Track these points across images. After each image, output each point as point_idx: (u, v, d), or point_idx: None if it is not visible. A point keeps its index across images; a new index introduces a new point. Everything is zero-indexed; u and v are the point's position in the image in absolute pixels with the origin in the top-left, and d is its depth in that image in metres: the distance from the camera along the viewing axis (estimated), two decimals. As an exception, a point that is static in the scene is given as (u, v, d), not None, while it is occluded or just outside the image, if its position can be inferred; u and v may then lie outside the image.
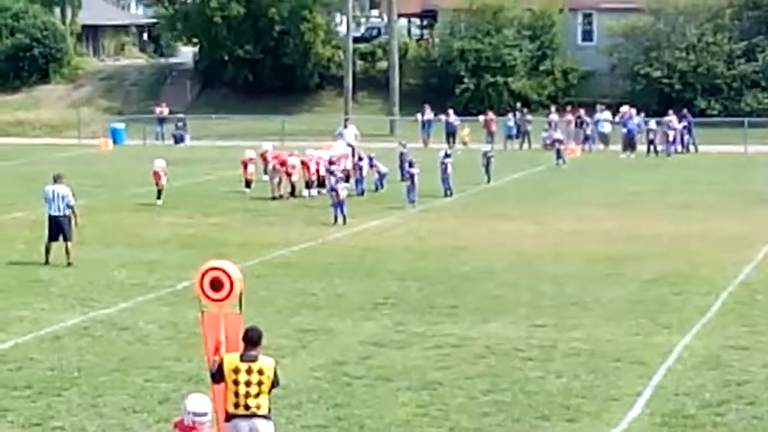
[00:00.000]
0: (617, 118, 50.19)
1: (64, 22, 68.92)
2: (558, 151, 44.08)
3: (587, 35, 62.02)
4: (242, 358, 11.11)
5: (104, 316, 19.38)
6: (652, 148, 47.53)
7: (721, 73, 56.98)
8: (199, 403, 10.57)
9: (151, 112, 58.39)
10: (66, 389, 15.20)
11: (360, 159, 36.20)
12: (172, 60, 71.77)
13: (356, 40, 62.79)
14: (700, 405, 14.45)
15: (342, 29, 63.69)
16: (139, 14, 78.48)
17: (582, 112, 51.32)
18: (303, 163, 35.08)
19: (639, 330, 18.26)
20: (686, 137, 49.16)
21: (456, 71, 59.32)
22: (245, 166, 36.60)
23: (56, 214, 23.94)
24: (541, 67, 60.52)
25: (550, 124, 50.57)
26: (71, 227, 24.01)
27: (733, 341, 17.46)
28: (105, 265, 23.72)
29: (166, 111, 57.33)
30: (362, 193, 34.73)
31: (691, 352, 16.92)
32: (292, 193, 34.46)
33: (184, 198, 34.43)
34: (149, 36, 78.66)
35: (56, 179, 24.43)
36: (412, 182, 32.57)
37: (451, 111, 52.27)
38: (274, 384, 11.21)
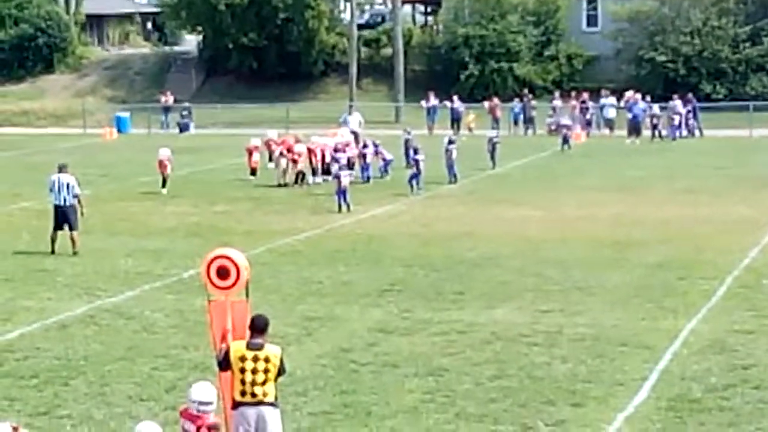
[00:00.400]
0: (622, 103, 50.11)
1: (68, 12, 68.87)
2: (565, 137, 44.05)
3: (592, 20, 61.89)
4: (248, 346, 11.14)
5: (110, 304, 19.41)
6: (656, 132, 47.47)
7: (726, 57, 56.84)
8: (205, 391, 10.59)
9: (155, 101, 58.39)
10: (73, 378, 15.25)
11: (365, 146, 36.19)
12: (177, 48, 71.72)
13: (360, 27, 62.69)
14: (706, 389, 14.46)
15: (346, 16, 63.59)
16: (143, 3, 78.41)
17: (586, 96, 51.26)
18: (308, 150, 35.09)
19: (645, 315, 18.27)
20: (691, 122, 49.08)
21: (460, 57, 59.24)
22: (250, 154, 36.63)
23: (61, 203, 23.98)
24: (546, 53, 60.42)
25: (554, 109, 50.49)
26: (77, 216, 24.05)
27: (739, 325, 17.47)
28: (111, 254, 23.75)
29: (170, 100, 57.31)
30: (368, 180, 34.73)
31: (697, 336, 16.92)
32: (299, 181, 34.44)
33: (190, 186, 34.45)
34: (153, 25, 78.59)
35: (61, 169, 24.46)
36: (418, 169, 32.59)
37: (455, 97, 52.22)
38: (281, 372, 11.23)
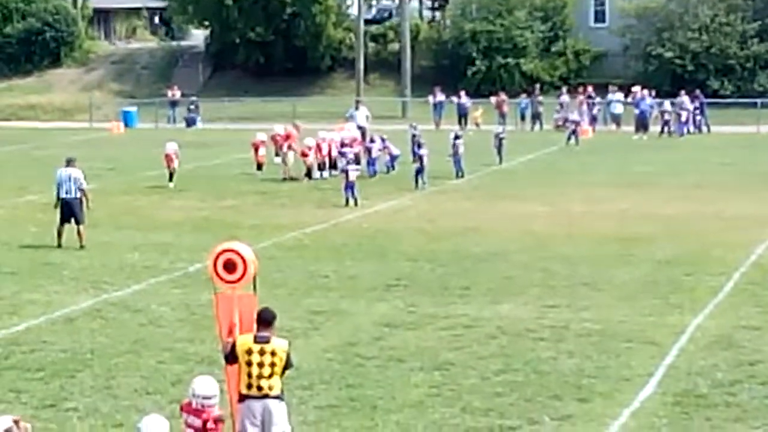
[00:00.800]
0: (629, 99, 50.04)
1: (75, 6, 68.90)
2: (573, 132, 44.02)
3: (599, 16, 61.83)
4: (255, 340, 11.14)
5: (117, 298, 19.43)
6: (667, 128, 47.39)
7: (734, 53, 56.75)
8: (206, 386, 10.60)
9: (162, 96, 58.41)
10: (79, 371, 15.26)
11: (372, 141, 36.18)
12: (184, 43, 71.74)
13: (368, 22, 62.70)
14: (713, 385, 14.45)
15: (353, 11, 63.59)
16: (150, -3, 78.53)
17: (590, 89, 51.18)
18: (316, 144, 35.09)
19: (651, 310, 18.25)
20: (699, 118, 49.01)
21: (467, 53, 59.21)
22: (256, 148, 36.63)
23: (68, 197, 23.99)
24: (553, 49, 60.39)
25: (561, 105, 50.45)
26: (83, 210, 24.06)
27: (746, 321, 17.45)
28: (117, 248, 23.77)
29: (177, 94, 57.33)
30: (374, 175, 34.72)
31: (704, 332, 16.90)
32: (310, 175, 34.43)
33: (196, 181, 34.47)
34: (160, 19, 78.58)
35: (69, 162, 24.47)
36: (421, 164, 32.60)
37: (462, 93, 52.20)
38: (288, 366, 11.22)
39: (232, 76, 64.24)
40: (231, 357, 11.27)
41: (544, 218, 27.26)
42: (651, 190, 31.68)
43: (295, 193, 32.12)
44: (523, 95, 53.06)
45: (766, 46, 56.77)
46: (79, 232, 23.82)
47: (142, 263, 22.31)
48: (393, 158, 35.89)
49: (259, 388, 11.10)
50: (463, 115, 51.07)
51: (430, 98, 52.83)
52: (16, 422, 9.23)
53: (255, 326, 11.29)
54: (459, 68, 59.05)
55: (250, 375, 11.09)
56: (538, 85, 54.14)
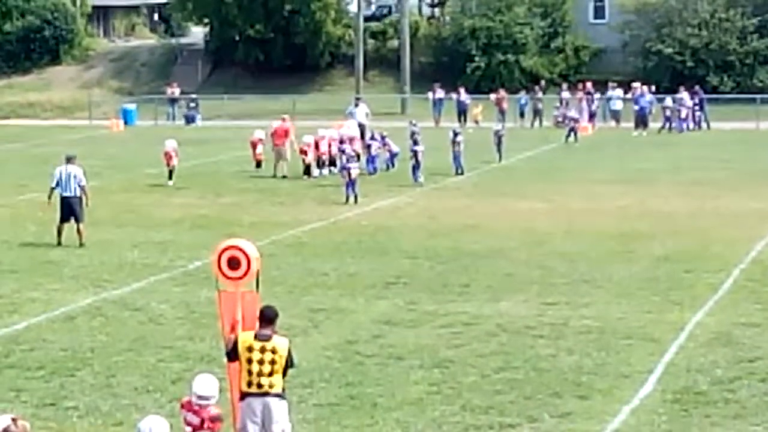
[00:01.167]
0: (629, 96, 50.03)
1: (74, 3, 68.87)
2: (572, 129, 44.03)
3: (599, 12, 61.83)
4: (256, 337, 11.15)
5: (116, 296, 19.44)
6: (669, 124, 47.38)
7: (733, 49, 56.75)
8: (205, 385, 10.63)
9: (162, 93, 58.42)
10: (79, 369, 15.27)
11: (372, 138, 36.19)
12: (183, 40, 71.71)
13: (367, 18, 62.68)
14: (712, 382, 14.45)
15: (353, 8, 63.57)
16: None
17: (590, 86, 51.19)
18: (314, 141, 35.08)
19: (651, 307, 18.26)
20: (698, 114, 49.01)
21: (467, 49, 59.20)
22: (254, 146, 36.63)
23: (68, 195, 23.99)
24: (553, 45, 60.39)
25: (561, 101, 50.45)
26: (83, 208, 24.06)
27: (745, 318, 17.45)
28: (117, 246, 23.78)
29: (177, 91, 57.34)
30: (374, 172, 34.73)
31: (703, 329, 16.91)
32: (307, 172, 34.45)
33: (196, 178, 34.47)
34: (160, 16, 78.56)
35: (69, 160, 24.48)
36: (417, 160, 32.64)
37: (462, 89, 52.18)
38: (289, 364, 11.21)
39: (232, 73, 64.22)
40: (232, 354, 11.28)
41: (544, 215, 27.27)
42: (650, 187, 31.69)
43: (294, 190, 32.13)
44: (523, 92, 53.05)
45: (765, 42, 56.78)
46: (78, 230, 23.83)
47: (142, 261, 22.31)
48: (393, 155, 35.90)
49: (260, 385, 11.11)
50: (462, 112, 51.07)
51: (430, 95, 52.84)
52: (14, 421, 9.23)
53: (257, 324, 11.30)
54: (458, 65, 59.04)
55: (250, 372, 11.11)
56: (543, 82, 54.12)
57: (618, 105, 50.60)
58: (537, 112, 51.16)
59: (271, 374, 11.10)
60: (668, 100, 48.12)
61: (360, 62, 58.48)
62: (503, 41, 59.14)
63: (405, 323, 17.44)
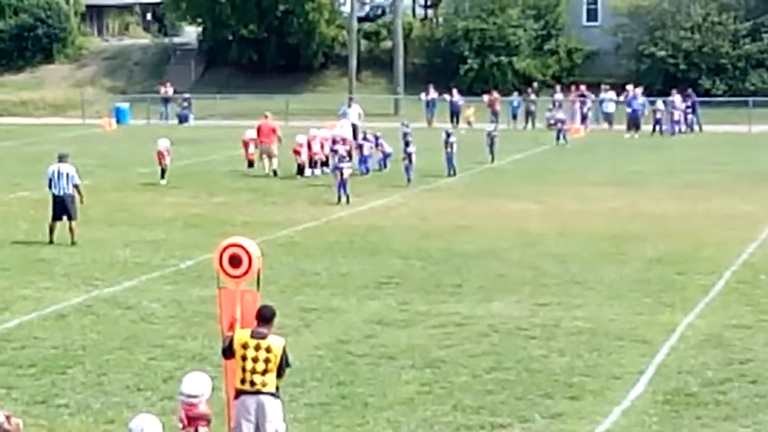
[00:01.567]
0: (621, 98, 50.09)
1: (67, 2, 68.79)
2: (560, 131, 44.05)
3: (592, 14, 61.90)
4: (252, 335, 11.19)
5: (108, 294, 19.42)
6: (658, 127, 47.46)
7: (726, 52, 56.86)
8: (191, 384, 10.65)
9: (155, 92, 58.38)
10: (70, 367, 15.26)
11: (364, 138, 36.20)
12: (177, 39, 71.66)
13: (360, 19, 62.70)
14: (703, 383, 14.48)
15: (346, 9, 63.57)
16: (143, -7, 78.40)
17: (583, 89, 51.24)
18: (306, 141, 35.09)
19: (642, 309, 18.29)
20: (690, 117, 49.08)
21: (460, 51, 59.25)
22: (246, 146, 36.64)
23: (61, 193, 23.96)
24: (546, 47, 60.44)
25: (554, 103, 50.50)
26: (75, 206, 24.03)
27: (736, 320, 17.49)
28: (109, 244, 23.76)
29: (170, 91, 57.31)
30: (367, 172, 34.74)
31: (694, 330, 16.94)
32: (299, 172, 34.45)
33: (189, 177, 34.45)
34: (153, 15, 78.51)
35: (61, 158, 24.45)
36: (410, 160, 32.71)
37: (455, 91, 52.21)
38: (284, 364, 11.20)
39: (225, 73, 64.21)
40: (228, 351, 11.31)
41: (536, 216, 27.29)
42: (643, 189, 31.73)
43: (286, 190, 32.12)
44: (515, 94, 53.09)
45: (757, 46, 56.90)
46: (71, 229, 23.80)
47: (134, 260, 22.30)
48: (386, 156, 35.93)
49: (252, 383, 11.13)
50: (455, 113, 51.10)
51: (423, 96, 52.87)
52: (7, 417, 9.23)
53: (255, 322, 11.33)
54: (451, 66, 59.08)
55: (244, 369, 11.15)
56: (535, 84, 54.14)
57: (610, 107, 50.65)
58: (529, 114, 51.20)
59: (264, 373, 11.12)
60: (659, 103, 48.19)
61: (353, 63, 58.49)
62: (496, 43, 59.19)
63: (397, 323, 17.45)
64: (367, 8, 68.42)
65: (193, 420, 10.61)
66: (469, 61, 58.96)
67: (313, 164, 34.92)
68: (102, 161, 38.42)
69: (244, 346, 11.14)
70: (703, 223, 26.17)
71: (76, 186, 24.04)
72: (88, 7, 71.92)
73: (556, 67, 59.94)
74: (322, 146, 35.05)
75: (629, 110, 48.30)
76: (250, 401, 11.13)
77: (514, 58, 59.21)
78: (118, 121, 54.28)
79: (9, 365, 15.38)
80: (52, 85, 63.92)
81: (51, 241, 23.77)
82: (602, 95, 51.40)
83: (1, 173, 35.90)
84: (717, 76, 56.65)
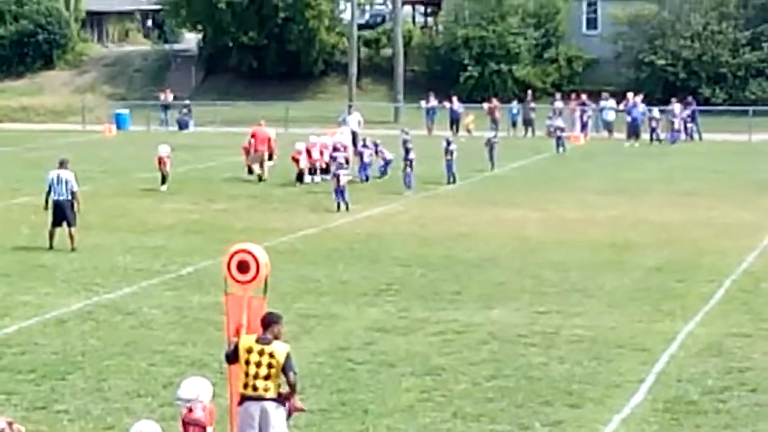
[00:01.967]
0: (621, 106, 50.12)
1: (68, 8, 68.83)
2: (559, 139, 44.06)
3: (592, 23, 61.97)
4: (257, 340, 11.23)
5: (108, 300, 19.42)
6: (655, 136, 47.49)
7: (725, 61, 56.92)
8: (185, 388, 10.70)
9: (155, 99, 58.41)
10: (70, 373, 15.25)
11: (364, 146, 36.21)
12: (177, 46, 71.73)
13: (361, 27, 62.73)
14: (703, 392, 14.48)
15: (346, 16, 63.64)
16: (143, 0, 78.39)
17: (584, 98, 51.28)
18: (305, 149, 35.11)
19: (642, 317, 18.29)
20: (690, 125, 49.09)
21: (460, 59, 59.29)
22: (247, 152, 36.68)
23: (60, 199, 23.95)
24: (546, 55, 60.49)
25: (554, 111, 50.51)
26: (74, 213, 24.02)
27: (736, 329, 17.49)
28: (109, 251, 23.75)
29: (170, 97, 57.34)
30: (366, 180, 34.75)
31: (694, 339, 16.94)
32: (299, 179, 34.49)
33: (189, 184, 34.46)
34: (153, 22, 78.59)
35: (62, 164, 24.44)
36: (411, 167, 32.75)
37: (455, 98, 52.22)
38: (287, 370, 11.17)
39: (225, 79, 64.24)
40: (233, 356, 11.34)
41: (536, 224, 27.29)
42: (643, 197, 31.74)
43: (286, 197, 32.13)
44: (515, 102, 53.12)
45: (757, 55, 56.96)
46: (70, 235, 23.80)
47: (134, 266, 22.29)
48: (386, 163, 35.95)
49: (255, 388, 11.16)
50: (455, 120, 51.11)
51: (423, 103, 52.89)
52: (9, 424, 9.24)
53: (260, 329, 11.37)
54: (451, 74, 59.11)
55: (247, 374, 11.20)
56: (530, 92, 54.17)
57: (610, 116, 50.67)
58: (529, 122, 51.22)
59: (267, 378, 11.15)
60: (655, 112, 48.21)
61: (353, 70, 58.52)
62: (496, 51, 59.24)
63: (397, 330, 17.45)
64: (367, 16, 68.47)
65: (186, 425, 10.61)
66: (469, 68, 59.01)
67: (313, 171, 34.94)
68: (102, 167, 38.43)
69: (249, 351, 11.19)
70: (703, 231, 26.18)
71: (73, 193, 24.02)
72: (89, 13, 71.97)
73: (556, 75, 59.99)
74: (321, 153, 35.07)
75: (629, 119, 48.33)
76: (254, 408, 11.16)
77: (514, 66, 59.26)
78: (118, 128, 54.26)
79: (9, 371, 15.38)
80: (52, 92, 63.94)
81: (51, 247, 23.77)
82: (602, 103, 51.42)
83: (1, 179, 35.88)
84: (717, 85, 56.70)
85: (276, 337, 11.24)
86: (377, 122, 50.82)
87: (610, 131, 50.26)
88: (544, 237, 25.42)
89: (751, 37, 57.21)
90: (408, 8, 68.76)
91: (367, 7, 68.52)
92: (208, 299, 19.17)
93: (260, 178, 35.36)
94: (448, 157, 34.39)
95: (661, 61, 56.93)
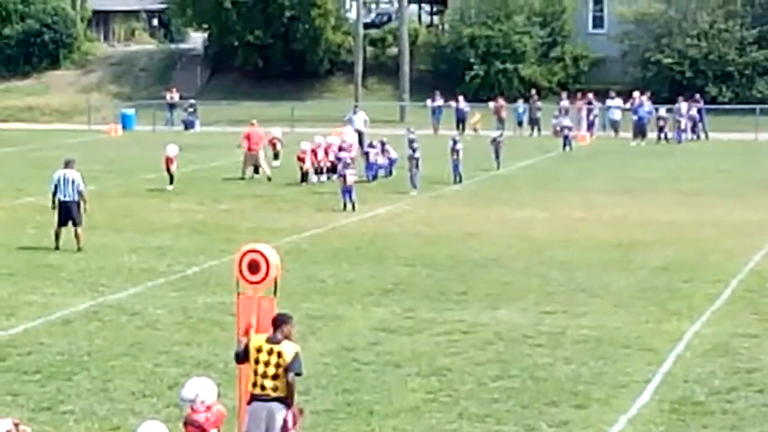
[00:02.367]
0: (628, 105, 50.03)
1: (74, 8, 68.85)
2: (566, 138, 44.02)
3: (598, 22, 61.85)
4: (268, 339, 11.28)
5: (114, 301, 19.42)
6: (663, 135, 47.42)
7: (732, 60, 56.79)
8: (186, 388, 10.68)
9: (161, 98, 58.40)
10: (76, 373, 15.25)
11: (371, 145, 36.17)
12: (182, 45, 71.73)
13: (366, 26, 62.71)
14: (710, 392, 14.44)
15: (352, 15, 63.61)
16: (149, -1, 78.59)
17: (591, 96, 51.21)
18: (311, 149, 35.11)
19: (648, 317, 18.25)
20: (697, 124, 48.98)
21: (466, 57, 59.21)
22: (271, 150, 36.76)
23: (66, 199, 23.95)
24: (552, 54, 60.40)
25: (560, 110, 50.44)
26: (81, 212, 24.03)
27: (743, 329, 17.45)
28: (115, 251, 23.75)
29: (176, 96, 57.34)
30: (373, 179, 34.72)
31: (701, 339, 16.90)
32: (304, 179, 34.51)
33: (194, 184, 34.46)
34: (159, 21, 78.58)
35: (67, 164, 24.44)
36: (417, 166, 32.71)
37: (461, 97, 52.17)
38: (289, 369, 11.16)
39: (231, 79, 64.23)
40: (243, 355, 11.36)
41: (542, 224, 27.26)
42: (649, 197, 31.69)
43: (292, 197, 32.12)
44: (521, 101, 53.07)
45: (764, 53, 56.81)
46: (76, 235, 23.80)
47: (140, 266, 22.30)
48: (391, 162, 35.91)
49: (263, 387, 11.20)
50: (461, 120, 51.07)
51: (429, 102, 52.86)
52: (16, 425, 9.23)
53: (271, 329, 11.39)
54: (457, 73, 59.04)
55: (256, 373, 11.25)
56: (534, 91, 54.11)
57: (617, 115, 50.60)
58: (535, 121, 51.17)
59: (275, 377, 11.19)
60: (662, 111, 48.14)
61: (359, 69, 58.48)
62: (502, 50, 59.16)
63: (402, 330, 17.43)
64: (373, 15, 68.43)
65: (186, 425, 10.59)
66: (475, 67, 58.94)
67: (318, 171, 34.93)
68: (108, 167, 38.44)
69: (259, 350, 11.25)
70: (709, 230, 26.13)
71: (80, 193, 24.03)
72: (95, 13, 72.00)
73: (562, 74, 59.90)
74: (326, 153, 35.05)
75: (635, 118, 48.27)
76: (261, 409, 11.20)
77: (520, 65, 59.18)
78: (123, 127, 54.28)
79: (15, 371, 15.38)
80: (58, 91, 63.97)
81: (57, 247, 23.77)
82: (608, 102, 51.35)
83: (7, 179, 35.92)
84: (723, 84, 56.57)
85: (287, 337, 11.28)
86: (383, 121, 50.79)
87: (616, 130, 50.21)
88: (550, 236, 25.39)
89: (758, 36, 57.07)
90: (414, 7, 68.73)
91: (373, 6, 68.53)
92: (214, 299, 19.18)
93: (256, 170, 35.68)
94: (455, 156, 34.35)
95: (668, 60, 56.81)
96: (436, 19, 69.49)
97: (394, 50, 62.03)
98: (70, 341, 16.79)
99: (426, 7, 70.94)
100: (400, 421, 13.44)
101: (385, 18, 67.75)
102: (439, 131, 49.99)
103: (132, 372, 15.30)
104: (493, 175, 36.59)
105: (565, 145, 43.84)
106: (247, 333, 11.57)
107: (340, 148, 34.06)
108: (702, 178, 35.85)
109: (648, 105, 48.88)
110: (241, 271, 11.75)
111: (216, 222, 27.71)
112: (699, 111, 49.23)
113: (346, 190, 29.44)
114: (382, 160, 35.77)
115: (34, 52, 66.04)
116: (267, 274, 11.66)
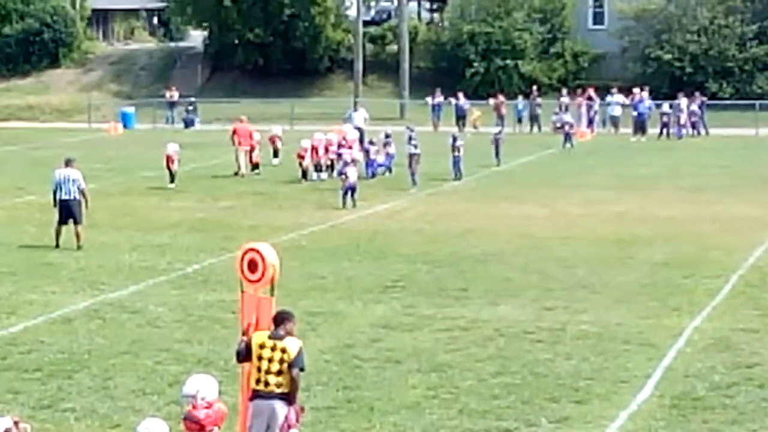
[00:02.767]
0: (628, 101, 50.01)
1: (73, 6, 68.87)
2: (566, 134, 44.01)
3: (598, 18, 61.84)
4: (270, 336, 11.30)
5: (114, 299, 19.42)
6: (666, 130, 47.39)
7: (732, 55, 56.77)
8: (186, 384, 10.67)
9: (161, 96, 58.41)
10: (76, 372, 15.25)
11: (371, 143, 36.18)
12: (182, 44, 71.74)
13: (366, 23, 62.70)
14: (710, 387, 14.45)
15: (352, 12, 63.60)
16: (149, -2, 78.56)
17: (592, 92, 51.19)
18: (311, 146, 35.12)
19: (649, 313, 18.25)
20: (697, 120, 48.98)
21: (466, 54, 59.21)
22: (252, 149, 36.67)
23: (67, 197, 23.96)
24: (552, 50, 60.40)
25: (560, 107, 50.43)
26: (81, 211, 24.04)
27: (743, 324, 17.45)
28: (115, 249, 23.76)
29: (176, 95, 57.33)
30: (373, 176, 34.73)
31: (701, 334, 16.91)
32: (304, 176, 34.54)
33: (194, 182, 34.47)
34: (159, 20, 78.59)
35: (68, 163, 24.45)
36: (416, 163, 32.72)
37: (461, 94, 52.16)
38: (293, 366, 11.17)
39: (231, 77, 64.22)
40: (244, 353, 11.37)
41: (542, 220, 27.26)
42: (649, 193, 31.69)
43: (292, 194, 32.12)
44: (521, 97, 53.05)
45: (764, 49, 56.79)
46: (76, 233, 23.81)
47: (140, 264, 22.30)
48: (390, 158, 35.90)
49: (266, 383, 11.22)
50: (461, 116, 51.06)
51: (429, 100, 52.85)
52: (15, 423, 9.24)
53: (272, 325, 11.40)
54: (457, 70, 59.04)
55: (259, 369, 11.26)
56: (535, 87, 54.10)
57: (617, 111, 50.57)
58: (535, 118, 51.16)
59: (278, 374, 11.20)
60: (665, 106, 48.13)
61: (359, 67, 58.48)
62: (502, 47, 59.15)
63: (403, 327, 17.43)
64: (372, 12, 68.42)
65: (185, 421, 10.60)
66: (475, 64, 58.94)
67: (318, 168, 34.94)
68: (108, 165, 38.45)
69: (261, 347, 11.28)
70: (710, 226, 26.13)
71: (81, 191, 24.05)
72: (94, 11, 72.01)
73: (562, 70, 59.89)
74: (326, 150, 35.05)
75: (635, 114, 48.26)
76: (264, 406, 11.21)
77: (520, 62, 59.17)
78: (124, 126, 54.30)
79: (15, 369, 15.38)
80: (58, 90, 63.98)
81: (57, 246, 23.78)
82: (608, 99, 51.34)
83: (7, 177, 35.93)
84: (724, 80, 56.56)
85: (289, 334, 11.29)
86: (383, 118, 50.76)
87: (616, 126, 50.20)
88: (551, 233, 25.39)
89: (758, 31, 57.04)
90: (413, 4, 68.73)
91: (373, 4, 68.46)
92: (214, 297, 19.19)
93: (256, 166, 35.70)
94: (455, 153, 34.35)
95: (668, 56, 56.79)
96: (435, 16, 69.46)
97: (394, 47, 62.02)
98: (71, 339, 16.80)
99: (426, 4, 70.92)
100: (400, 418, 13.45)
101: (385, 15, 67.75)
102: (439, 128, 49.98)
103: (132, 370, 15.30)
104: (493, 172, 36.59)
105: (565, 141, 43.83)
106: (247, 332, 11.57)
107: (340, 146, 34.09)
108: (702, 173, 35.85)
109: (648, 101, 48.85)
110: (242, 270, 11.75)
111: (216, 220, 27.72)
112: (700, 106, 49.19)
113: (349, 188, 29.40)
114: (381, 158, 35.76)
115: (34, 51, 66.05)
116: (263, 274, 11.63)
